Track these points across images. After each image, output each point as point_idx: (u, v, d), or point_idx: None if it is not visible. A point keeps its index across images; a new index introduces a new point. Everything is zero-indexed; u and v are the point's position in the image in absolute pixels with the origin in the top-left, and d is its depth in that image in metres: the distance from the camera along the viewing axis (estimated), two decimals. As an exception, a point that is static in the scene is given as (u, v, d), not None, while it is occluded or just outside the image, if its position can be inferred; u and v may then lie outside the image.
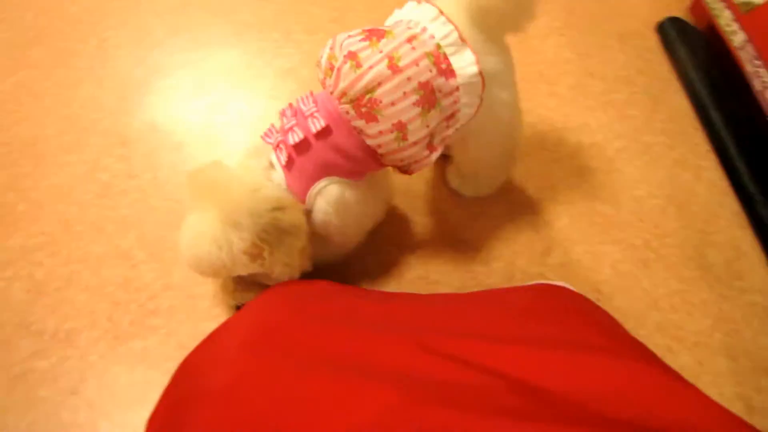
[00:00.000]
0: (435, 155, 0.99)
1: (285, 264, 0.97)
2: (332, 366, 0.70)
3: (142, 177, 1.35)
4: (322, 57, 0.96)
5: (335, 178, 0.97)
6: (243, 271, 0.98)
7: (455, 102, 0.94)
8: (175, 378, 0.83)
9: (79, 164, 1.39)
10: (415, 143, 0.94)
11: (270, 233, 0.92)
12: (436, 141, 0.98)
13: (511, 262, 1.23)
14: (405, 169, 1.03)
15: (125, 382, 1.12)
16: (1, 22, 1.67)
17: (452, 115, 0.96)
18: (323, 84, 0.96)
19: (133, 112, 1.46)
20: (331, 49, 0.94)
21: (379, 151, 0.95)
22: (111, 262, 1.25)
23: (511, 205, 1.30)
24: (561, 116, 1.44)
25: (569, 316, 0.85)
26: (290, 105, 0.98)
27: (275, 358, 0.75)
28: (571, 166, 1.36)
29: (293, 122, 0.95)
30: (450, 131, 0.98)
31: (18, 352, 1.17)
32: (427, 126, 0.93)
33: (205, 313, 1.18)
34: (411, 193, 1.32)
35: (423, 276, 1.21)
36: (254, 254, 0.94)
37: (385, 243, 1.25)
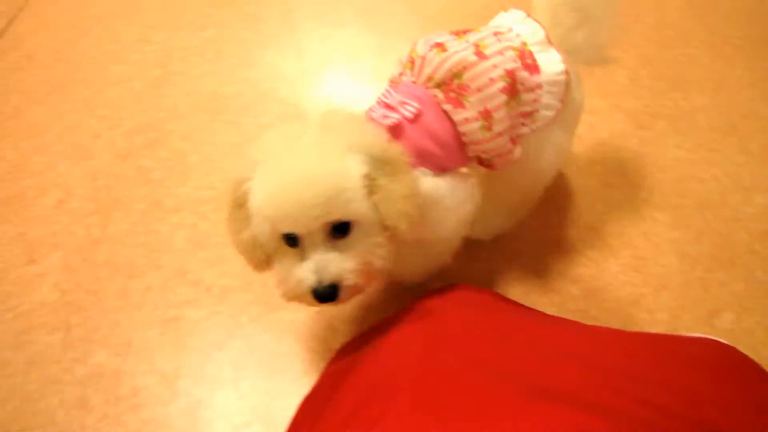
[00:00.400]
0: (518, 151, 0.96)
1: (399, 211, 0.81)
2: (519, 384, 0.68)
3: (315, 152, 1.37)
4: (403, 57, 0.95)
5: (428, 171, 0.91)
6: (356, 209, 0.78)
7: (536, 100, 0.92)
8: (334, 372, 0.83)
9: (253, 126, 1.42)
10: (499, 134, 0.91)
11: (384, 164, 0.80)
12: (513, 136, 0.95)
13: (677, 315, 1.17)
14: (488, 163, 0.98)
15: (270, 349, 1.13)
16: (199, -22, 1.73)
17: (530, 114, 0.94)
18: (398, 80, 0.95)
19: (312, 86, 1.47)
20: (414, 46, 0.93)
21: (464, 139, 0.92)
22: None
23: (684, 258, 1.24)
24: (748, 175, 1.37)
25: (748, 378, 0.80)
26: (376, 103, 0.93)
27: (460, 369, 0.73)
28: (756, 230, 1.29)
29: (383, 112, 0.90)
30: (526, 129, 0.95)
31: (174, 296, 1.20)
32: (511, 116, 0.91)
33: (357, 299, 1.18)
34: (597, 230, 1.28)
35: (583, 309, 1.17)
36: (371, 186, 0.79)
37: (550, 271, 1.22)
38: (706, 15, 1.60)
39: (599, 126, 1.40)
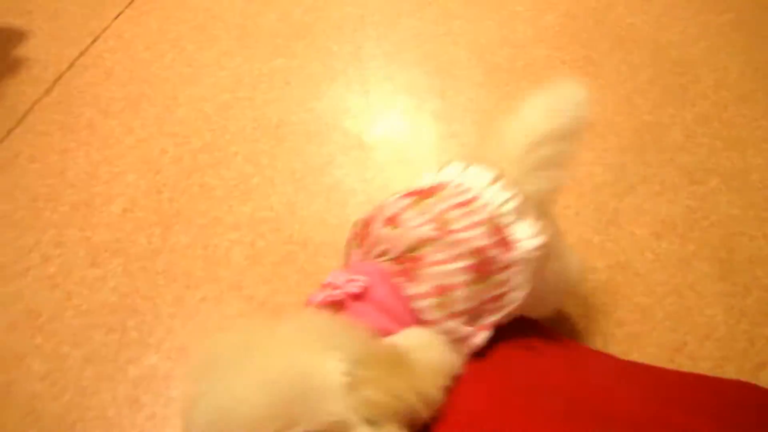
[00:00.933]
0: (481, 337, 0.80)
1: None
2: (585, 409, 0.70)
3: (372, 183, 1.42)
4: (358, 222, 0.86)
5: None
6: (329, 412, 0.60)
7: (507, 281, 0.79)
8: None
9: (316, 156, 1.48)
10: (456, 315, 0.77)
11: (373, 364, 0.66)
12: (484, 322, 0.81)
13: (720, 365, 1.17)
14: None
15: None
16: (272, 12, 1.82)
17: (500, 296, 0.80)
18: (349, 250, 0.87)
19: (376, 121, 1.53)
20: (360, 223, 0.86)
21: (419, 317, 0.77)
22: (328, 253, 1.31)
23: (730, 310, 1.25)
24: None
25: None
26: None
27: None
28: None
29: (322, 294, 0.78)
30: (495, 317, 0.81)
31: (228, 309, 1.25)
32: (476, 299, 0.78)
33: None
34: (643, 276, 1.29)
35: (626, 352, 1.18)
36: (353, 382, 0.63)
37: (595, 313, 1.23)
38: (766, 78, 1.62)
39: (652, 179, 1.43)
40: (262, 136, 1.53)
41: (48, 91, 1.74)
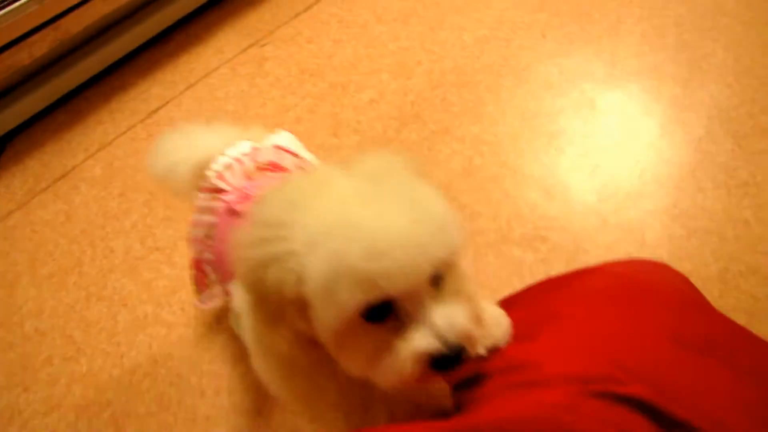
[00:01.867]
0: None
1: None
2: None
3: (592, 140, 1.51)
4: None
5: None
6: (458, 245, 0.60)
7: None
8: None
9: (549, 103, 1.60)
10: None
11: None
12: None
13: None
14: None
15: (492, 272, 1.31)
16: None
17: None
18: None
19: (613, 90, 1.62)
20: None
21: None
22: (532, 185, 1.44)
23: None
24: None
25: None
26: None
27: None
28: None
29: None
30: None
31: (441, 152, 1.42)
32: None
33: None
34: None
35: None
36: None
37: None
38: None
39: None
40: (508, 74, 1.67)
41: (336, -11, 2.01)
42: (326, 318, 0.56)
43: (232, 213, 0.89)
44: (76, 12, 1.63)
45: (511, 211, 1.40)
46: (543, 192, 1.42)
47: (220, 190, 0.93)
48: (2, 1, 1.51)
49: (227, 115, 1.70)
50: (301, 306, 0.57)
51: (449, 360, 0.56)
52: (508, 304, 0.79)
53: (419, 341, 0.56)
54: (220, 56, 1.86)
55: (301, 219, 0.57)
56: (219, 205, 0.92)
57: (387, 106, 1.65)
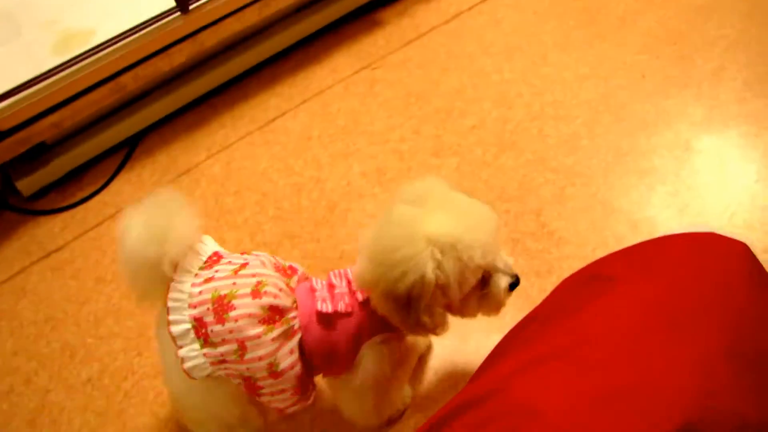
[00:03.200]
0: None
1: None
2: None
3: (684, 181, 1.56)
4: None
5: None
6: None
7: None
8: None
9: (643, 142, 1.66)
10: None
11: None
12: None
13: None
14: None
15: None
16: (653, 14, 2.00)
17: None
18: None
19: (709, 133, 1.66)
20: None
21: None
22: (621, 219, 1.50)
23: None
24: None
25: None
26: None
27: None
28: None
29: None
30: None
31: (520, 226, 1.51)
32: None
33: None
34: None
35: None
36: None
37: None
38: None
39: None
40: (605, 111, 1.75)
41: (447, 22, 2.13)
42: (459, 291, 0.91)
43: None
44: (213, 28, 1.82)
45: (598, 241, 1.47)
46: (630, 226, 1.49)
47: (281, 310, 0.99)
48: (152, 18, 1.71)
49: (338, 130, 1.84)
50: (444, 288, 0.90)
51: (516, 283, 0.98)
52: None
53: (503, 280, 0.96)
54: (334, 75, 2.01)
55: (423, 230, 0.89)
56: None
57: (487, 132, 1.76)
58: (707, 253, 0.82)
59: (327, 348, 0.99)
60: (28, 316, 1.57)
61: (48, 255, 1.70)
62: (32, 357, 1.49)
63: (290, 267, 1.07)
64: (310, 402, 1.08)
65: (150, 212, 0.96)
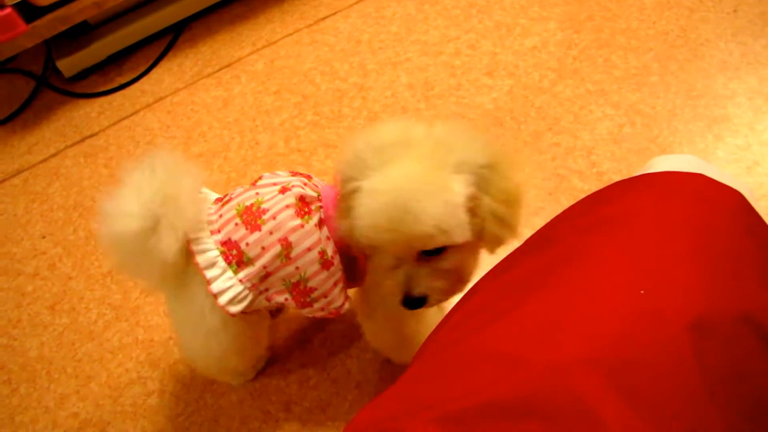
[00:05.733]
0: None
1: (496, 219, 0.81)
2: None
3: (757, 135, 1.41)
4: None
5: None
6: (456, 236, 0.79)
7: None
8: None
9: (720, 85, 1.50)
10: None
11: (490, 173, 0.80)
12: None
13: None
14: None
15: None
16: None
17: None
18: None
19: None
20: None
21: None
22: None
23: None
24: None
25: None
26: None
27: None
28: None
29: None
30: None
31: (568, 162, 1.40)
32: None
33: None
34: None
35: None
36: (474, 208, 0.79)
37: None
38: None
39: None
40: (682, 46, 1.58)
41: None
42: (359, 234, 0.81)
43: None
44: None
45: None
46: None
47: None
48: None
49: (389, 36, 1.73)
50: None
51: (412, 303, 0.85)
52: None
53: (394, 281, 0.86)
54: (394, -24, 1.88)
55: (371, 174, 0.79)
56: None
57: (548, 56, 1.62)
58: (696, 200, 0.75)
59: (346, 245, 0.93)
60: (59, 200, 1.56)
61: (83, 140, 1.68)
62: (58, 242, 1.49)
63: (307, 176, 1.00)
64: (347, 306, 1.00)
65: (145, 182, 0.83)
